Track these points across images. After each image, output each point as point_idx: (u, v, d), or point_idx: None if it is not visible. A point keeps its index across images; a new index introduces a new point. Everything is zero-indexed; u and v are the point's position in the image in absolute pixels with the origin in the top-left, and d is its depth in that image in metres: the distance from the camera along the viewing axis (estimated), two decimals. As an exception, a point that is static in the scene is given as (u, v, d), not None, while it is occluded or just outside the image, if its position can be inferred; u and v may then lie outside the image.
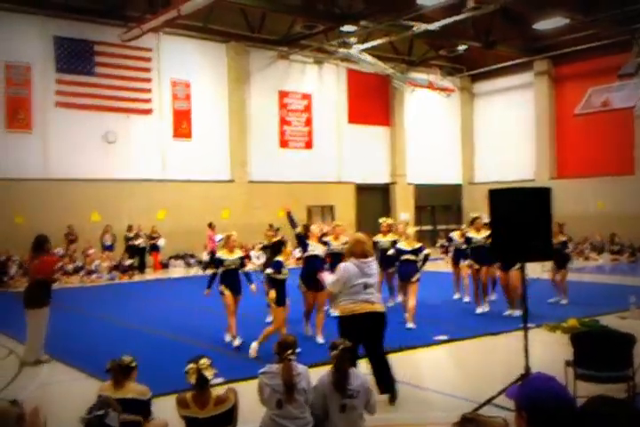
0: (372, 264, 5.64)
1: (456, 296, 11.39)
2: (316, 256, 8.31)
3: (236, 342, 7.77)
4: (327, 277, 5.89)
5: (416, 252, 8.97)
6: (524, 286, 5.57)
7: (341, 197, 23.26)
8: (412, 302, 8.76)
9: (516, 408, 2.15)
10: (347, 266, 5.55)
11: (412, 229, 10.10)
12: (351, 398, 4.12)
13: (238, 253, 8.21)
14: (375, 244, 9.75)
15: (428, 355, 7.53)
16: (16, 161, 17.07)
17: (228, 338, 8.05)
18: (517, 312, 8.99)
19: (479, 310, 9.84)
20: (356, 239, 5.77)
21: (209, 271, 8.60)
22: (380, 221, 10.64)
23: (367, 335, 5.47)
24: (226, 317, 8.04)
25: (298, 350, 4.34)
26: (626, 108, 20.83)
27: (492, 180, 24.32)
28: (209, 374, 3.96)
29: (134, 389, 4.26)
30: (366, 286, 5.48)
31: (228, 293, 7.94)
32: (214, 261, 8.31)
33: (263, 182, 21.31)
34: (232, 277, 8.01)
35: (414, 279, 8.83)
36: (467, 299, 10.96)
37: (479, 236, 9.91)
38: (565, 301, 10.47)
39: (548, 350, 6.94)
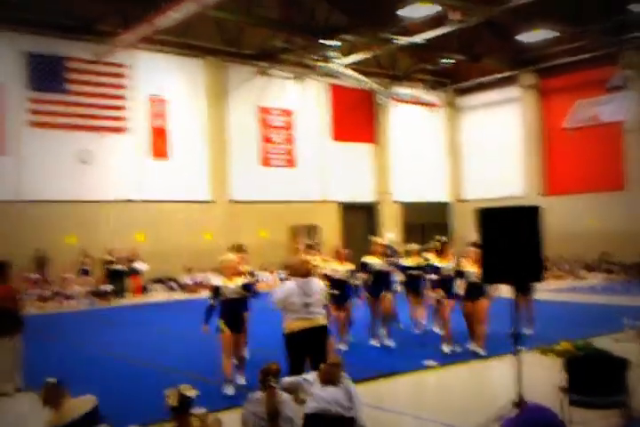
0: (313, 283, 6.17)
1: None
2: None
3: (241, 381, 7.07)
4: (272, 296, 6.23)
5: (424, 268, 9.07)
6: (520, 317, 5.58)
7: (326, 217, 23.32)
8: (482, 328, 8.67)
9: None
10: (289, 285, 6.12)
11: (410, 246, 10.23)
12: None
13: (240, 280, 7.18)
14: (364, 266, 9.52)
15: (416, 380, 7.49)
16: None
17: (228, 390, 6.81)
18: (482, 351, 8.48)
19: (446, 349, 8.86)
20: (302, 260, 6.39)
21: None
22: (373, 239, 10.41)
23: (310, 350, 5.84)
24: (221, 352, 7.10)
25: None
26: (615, 121, 21.21)
27: (481, 196, 24.60)
28: (191, 393, 3.95)
29: (75, 406, 4.14)
30: (307, 305, 5.97)
31: (227, 331, 6.97)
32: (212, 291, 7.23)
33: (245, 202, 21.31)
34: (233, 310, 7.02)
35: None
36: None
37: (445, 263, 9.28)
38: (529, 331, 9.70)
39: (540, 375, 6.95)
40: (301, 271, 6.15)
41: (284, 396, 4.27)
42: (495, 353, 8.39)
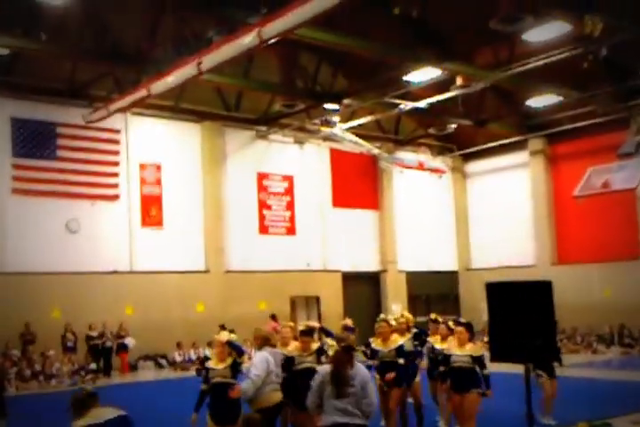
0: (278, 354, 6.97)
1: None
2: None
3: None
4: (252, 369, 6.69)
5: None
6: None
7: (327, 287, 23.41)
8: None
9: None
10: (265, 355, 6.74)
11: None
12: (346, 386, 5.05)
13: (228, 361, 6.52)
14: (375, 353, 8.23)
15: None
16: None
17: None
18: None
19: None
20: (270, 333, 7.34)
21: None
22: (393, 317, 9.14)
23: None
24: None
25: None
26: (627, 189, 21.67)
27: (491, 266, 24.75)
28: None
29: (104, 412, 4.61)
30: (277, 375, 6.76)
31: (210, 424, 6.38)
32: (203, 375, 6.75)
33: (242, 272, 21.46)
34: (219, 398, 6.37)
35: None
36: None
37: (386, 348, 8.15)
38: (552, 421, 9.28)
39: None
40: (272, 342, 6.96)
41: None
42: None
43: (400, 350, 8.07)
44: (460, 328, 7.71)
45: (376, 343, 8.16)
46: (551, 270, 22.53)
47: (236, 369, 6.50)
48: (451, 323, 8.78)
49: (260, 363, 6.59)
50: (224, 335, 6.69)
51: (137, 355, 18.85)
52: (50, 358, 16.56)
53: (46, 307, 17.61)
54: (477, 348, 7.72)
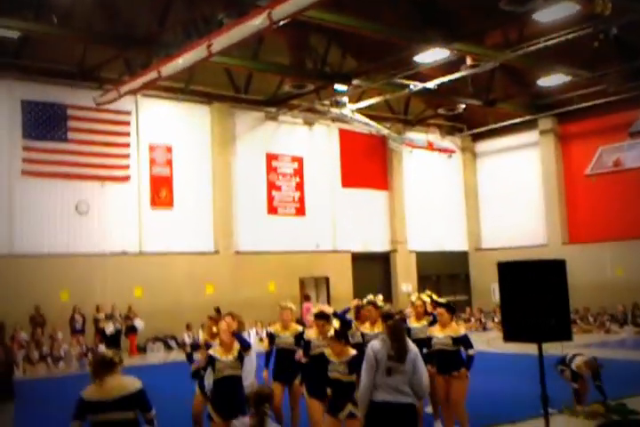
0: None
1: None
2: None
3: None
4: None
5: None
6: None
7: (337, 268, 23.38)
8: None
9: None
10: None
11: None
12: (398, 363, 4.86)
13: (234, 352, 6.06)
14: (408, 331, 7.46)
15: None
16: (-23, 236, 17.15)
17: None
18: None
19: None
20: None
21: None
22: (413, 298, 8.45)
23: None
24: None
25: None
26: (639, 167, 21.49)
27: (501, 245, 24.65)
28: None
29: (118, 385, 4.56)
30: None
31: (216, 418, 5.88)
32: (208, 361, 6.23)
33: (251, 253, 21.45)
34: (225, 391, 5.90)
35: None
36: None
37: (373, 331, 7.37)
38: None
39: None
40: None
41: (273, 425, 4.51)
42: (522, 416, 8.34)
43: None
44: (440, 310, 7.31)
45: (363, 328, 7.51)
46: (562, 250, 22.39)
47: (242, 360, 6.07)
48: (425, 296, 8.24)
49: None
50: (230, 324, 6.24)
51: (146, 337, 18.87)
52: (58, 341, 16.50)
53: (55, 289, 17.62)
54: (458, 328, 7.37)
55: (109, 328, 17.14)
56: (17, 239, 17.77)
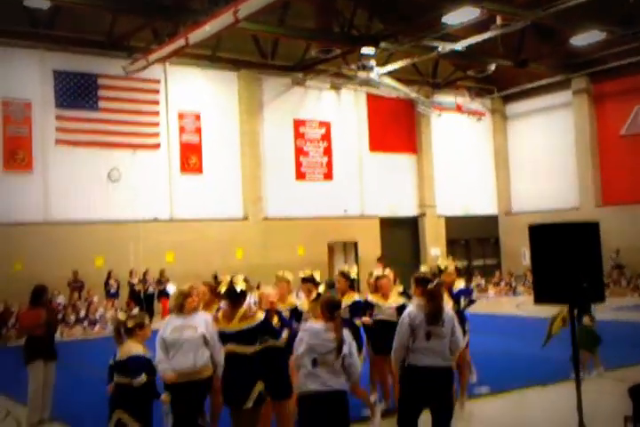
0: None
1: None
2: None
3: None
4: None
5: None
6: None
7: (365, 233, 23.30)
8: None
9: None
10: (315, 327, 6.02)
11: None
12: (436, 326, 4.90)
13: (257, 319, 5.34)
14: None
15: (466, 409, 7.39)
16: (15, 204, 17.46)
17: None
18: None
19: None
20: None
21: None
22: (440, 263, 7.44)
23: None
24: None
25: None
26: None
27: (532, 209, 24.26)
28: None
29: (127, 350, 4.96)
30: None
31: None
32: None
33: (279, 219, 21.47)
34: (239, 372, 5.27)
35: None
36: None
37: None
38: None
39: (603, 403, 6.80)
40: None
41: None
42: (553, 380, 8.24)
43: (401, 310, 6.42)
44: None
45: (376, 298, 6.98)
46: (595, 212, 21.88)
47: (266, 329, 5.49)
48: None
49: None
50: (270, 292, 5.70)
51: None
52: (94, 305, 16.85)
53: (90, 255, 17.92)
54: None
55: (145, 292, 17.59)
56: (52, 207, 18.03)
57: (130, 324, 5.00)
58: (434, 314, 4.96)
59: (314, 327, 4.63)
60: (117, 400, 4.92)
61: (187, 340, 5.16)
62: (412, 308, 5.14)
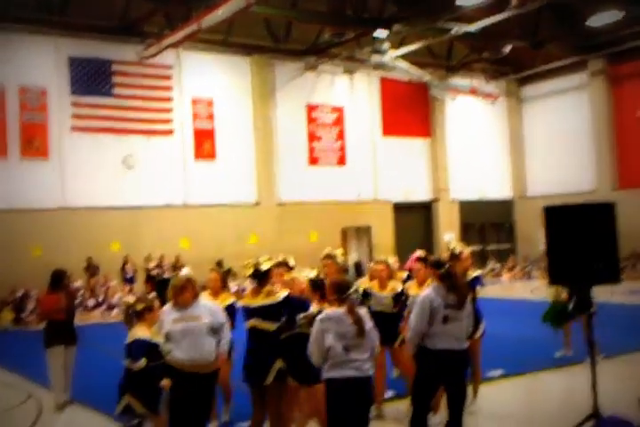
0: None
1: None
2: None
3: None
4: None
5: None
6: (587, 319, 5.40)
7: (378, 217, 23.20)
8: None
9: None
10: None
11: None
12: (455, 310, 4.85)
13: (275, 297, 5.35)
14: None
15: (481, 392, 7.37)
16: (32, 190, 17.56)
17: None
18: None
19: None
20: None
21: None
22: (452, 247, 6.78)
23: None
24: None
25: None
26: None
27: (547, 193, 24.00)
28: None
29: (137, 332, 4.98)
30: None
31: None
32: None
33: (292, 203, 21.45)
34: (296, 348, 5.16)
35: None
36: None
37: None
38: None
39: (619, 386, 6.73)
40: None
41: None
42: (568, 362, 8.19)
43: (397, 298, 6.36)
44: (418, 265, 6.21)
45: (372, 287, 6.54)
46: (612, 195, 21.54)
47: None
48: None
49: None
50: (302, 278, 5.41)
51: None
52: (111, 289, 17.01)
53: (106, 240, 18.03)
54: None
55: (159, 276, 17.54)
56: (69, 193, 18.13)
57: (138, 307, 4.97)
58: (458, 299, 4.91)
59: (336, 313, 4.47)
60: (125, 384, 4.92)
61: (191, 331, 4.96)
62: (429, 291, 5.06)
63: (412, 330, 4.98)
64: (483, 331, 6.46)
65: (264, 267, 5.23)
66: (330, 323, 4.42)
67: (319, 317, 4.51)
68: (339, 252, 6.55)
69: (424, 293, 5.11)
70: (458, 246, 6.74)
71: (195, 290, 5.14)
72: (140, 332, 4.94)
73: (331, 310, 4.53)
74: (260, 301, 5.25)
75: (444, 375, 4.94)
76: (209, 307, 5.21)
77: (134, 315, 4.98)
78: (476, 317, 5.92)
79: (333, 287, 4.60)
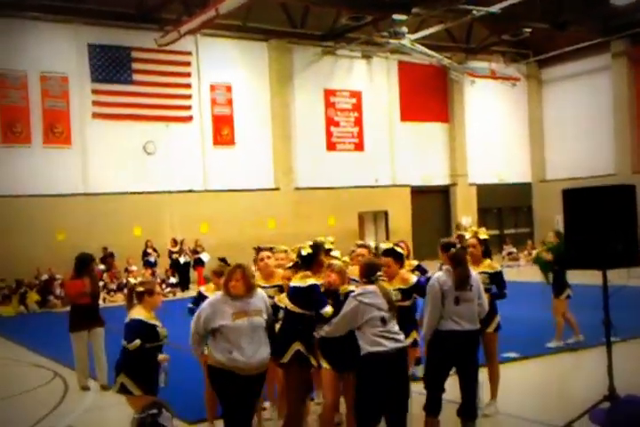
0: None
1: None
2: None
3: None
4: None
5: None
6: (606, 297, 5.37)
7: (396, 202, 23.11)
8: None
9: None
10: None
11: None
12: (464, 291, 4.91)
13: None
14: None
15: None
16: (55, 176, 17.76)
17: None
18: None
19: None
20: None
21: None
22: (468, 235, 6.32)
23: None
24: None
25: None
26: None
27: (567, 176, 23.69)
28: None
29: (134, 313, 4.86)
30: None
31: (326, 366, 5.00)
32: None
33: (310, 189, 21.43)
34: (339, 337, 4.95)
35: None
36: None
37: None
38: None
39: (634, 367, 6.70)
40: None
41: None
42: (584, 344, 8.15)
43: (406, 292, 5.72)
44: (386, 259, 5.53)
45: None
46: (632, 179, 21.16)
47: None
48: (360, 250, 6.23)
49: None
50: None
51: (212, 269, 19.23)
52: (133, 273, 17.14)
53: (128, 225, 18.22)
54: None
55: (181, 260, 17.91)
56: (91, 179, 18.31)
57: (138, 289, 4.93)
58: (462, 280, 4.94)
59: (369, 289, 4.61)
60: (121, 364, 4.88)
61: (256, 328, 4.57)
62: (440, 273, 5.09)
63: (428, 314, 4.99)
64: (497, 324, 6.05)
65: (304, 251, 5.13)
66: (365, 296, 4.56)
67: (353, 293, 4.65)
68: (329, 239, 5.67)
69: (435, 275, 5.11)
70: (470, 230, 6.45)
71: (247, 279, 4.59)
72: (136, 313, 4.88)
73: (361, 288, 4.67)
74: (295, 282, 5.18)
75: (457, 356, 4.96)
76: (263, 297, 4.80)
77: (135, 296, 4.93)
78: (490, 310, 5.61)
79: (364, 269, 4.75)
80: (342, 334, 4.67)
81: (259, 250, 5.95)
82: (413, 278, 5.70)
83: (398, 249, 5.68)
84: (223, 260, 5.89)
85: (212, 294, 5.54)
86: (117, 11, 18.48)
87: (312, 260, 5.14)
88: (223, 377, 4.52)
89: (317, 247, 5.23)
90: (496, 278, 6.06)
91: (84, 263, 7.67)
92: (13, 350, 10.33)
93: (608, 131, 23.56)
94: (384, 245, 5.83)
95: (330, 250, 5.46)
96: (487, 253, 6.22)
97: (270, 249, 6.02)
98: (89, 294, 7.56)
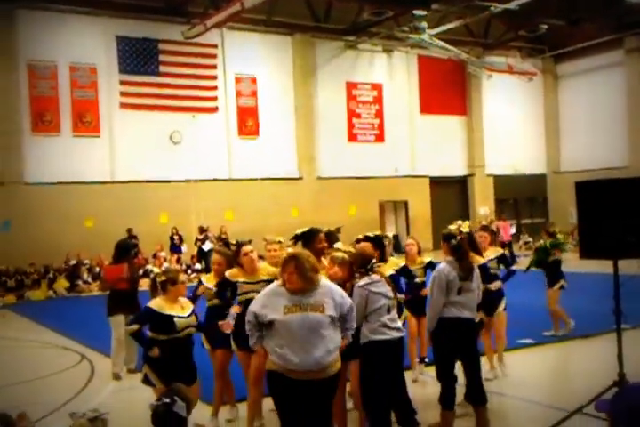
0: None
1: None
2: None
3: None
4: None
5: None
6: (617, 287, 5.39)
7: (415, 192, 23.13)
8: None
9: (610, 423, 2.08)
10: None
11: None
12: (467, 282, 4.95)
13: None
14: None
15: (510, 360, 7.42)
16: (84, 165, 17.96)
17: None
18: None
19: None
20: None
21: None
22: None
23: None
24: None
25: None
26: None
27: (581, 168, 23.52)
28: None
29: (151, 302, 4.77)
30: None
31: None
32: None
33: (332, 178, 21.49)
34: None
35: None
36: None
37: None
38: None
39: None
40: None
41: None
42: (595, 332, 8.16)
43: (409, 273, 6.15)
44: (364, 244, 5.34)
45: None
46: (645, 172, 21.14)
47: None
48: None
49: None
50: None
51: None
52: (160, 259, 17.36)
53: (154, 212, 18.39)
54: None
55: (206, 247, 17.93)
56: (119, 167, 18.50)
57: (160, 278, 4.75)
58: (465, 272, 4.98)
59: (373, 278, 4.62)
60: (145, 355, 4.77)
61: (314, 325, 3.82)
62: (443, 264, 5.08)
63: (433, 304, 4.99)
64: (505, 305, 6.67)
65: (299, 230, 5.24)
66: (373, 286, 4.57)
67: (359, 284, 4.57)
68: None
69: (439, 267, 5.10)
70: (465, 225, 6.03)
71: (302, 271, 3.88)
72: (154, 302, 4.71)
73: (367, 277, 4.62)
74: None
75: (460, 342, 4.97)
76: (330, 288, 4.02)
77: (158, 285, 4.75)
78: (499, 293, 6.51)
79: (358, 262, 4.68)
80: (358, 325, 4.39)
81: (239, 245, 5.53)
82: (388, 273, 5.27)
83: (385, 241, 5.76)
84: (226, 243, 5.77)
85: (212, 282, 5.47)
86: (145, 4, 18.58)
87: (308, 239, 5.21)
88: (277, 382, 3.85)
89: (329, 235, 5.38)
90: (503, 259, 6.76)
91: (123, 250, 7.69)
92: (42, 334, 10.30)
93: (622, 125, 23.36)
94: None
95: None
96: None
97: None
98: (126, 280, 7.52)
